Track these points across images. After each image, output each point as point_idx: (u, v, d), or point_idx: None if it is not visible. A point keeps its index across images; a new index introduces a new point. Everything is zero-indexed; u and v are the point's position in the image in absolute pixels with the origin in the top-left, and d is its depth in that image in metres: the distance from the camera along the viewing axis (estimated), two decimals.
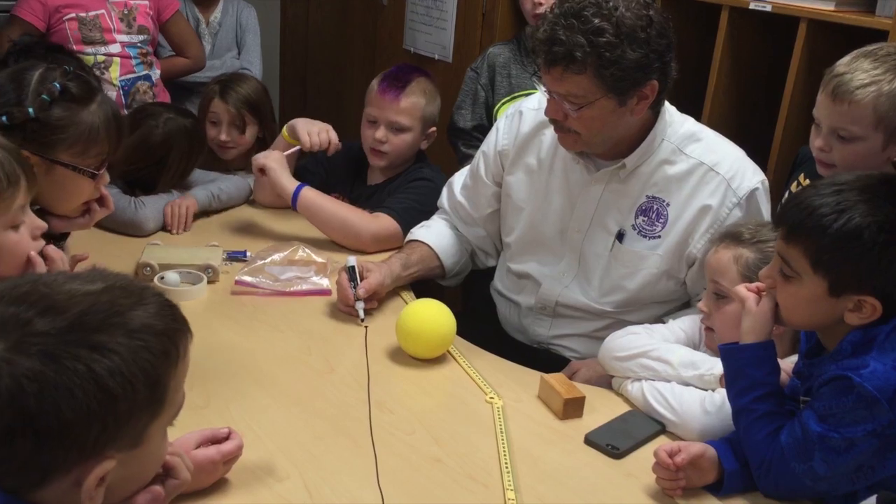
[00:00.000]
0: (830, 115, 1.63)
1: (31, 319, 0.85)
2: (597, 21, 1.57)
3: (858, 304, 1.25)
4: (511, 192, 1.96)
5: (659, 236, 1.78)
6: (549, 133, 1.86)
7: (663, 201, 1.78)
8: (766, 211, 1.77)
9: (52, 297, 0.87)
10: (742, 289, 1.39)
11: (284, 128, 2.35)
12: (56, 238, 1.66)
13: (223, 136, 2.49)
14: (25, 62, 1.66)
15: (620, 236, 1.81)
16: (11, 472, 0.86)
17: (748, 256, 1.51)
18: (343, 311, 1.86)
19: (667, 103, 1.78)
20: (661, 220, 1.78)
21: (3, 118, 1.52)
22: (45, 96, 1.55)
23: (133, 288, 0.93)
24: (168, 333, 0.92)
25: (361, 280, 1.83)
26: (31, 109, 1.54)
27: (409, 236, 2.09)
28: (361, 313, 1.81)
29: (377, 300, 1.88)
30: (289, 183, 2.20)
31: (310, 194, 2.19)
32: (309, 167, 2.44)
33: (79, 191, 1.65)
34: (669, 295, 1.85)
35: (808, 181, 1.83)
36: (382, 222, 2.18)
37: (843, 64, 1.63)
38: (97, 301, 0.88)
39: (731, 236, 1.56)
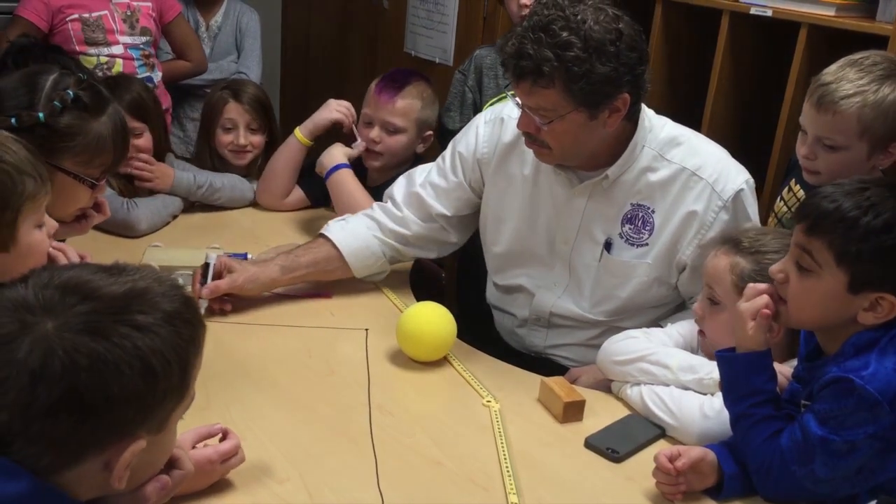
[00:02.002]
0: (815, 124, 1.64)
1: (75, 303, 0.89)
2: (564, 35, 1.54)
3: (875, 303, 1.25)
4: (491, 201, 1.92)
5: (647, 244, 1.77)
6: None
7: (648, 208, 1.76)
8: (752, 211, 1.76)
9: (92, 284, 0.91)
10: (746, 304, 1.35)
11: (297, 130, 2.38)
12: None
13: (242, 140, 2.46)
14: (39, 66, 1.66)
15: (608, 245, 1.80)
16: (49, 449, 0.88)
17: (744, 266, 1.50)
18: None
19: (645, 107, 1.76)
20: (647, 228, 1.76)
21: (13, 120, 1.52)
22: (56, 103, 1.55)
23: (163, 278, 0.97)
24: (194, 323, 0.97)
25: (216, 279, 1.80)
26: (41, 115, 1.54)
27: (324, 229, 2.00)
28: (202, 311, 1.77)
29: (231, 303, 1.84)
30: (329, 160, 2.28)
31: (341, 177, 2.25)
32: (312, 170, 2.45)
33: (76, 198, 1.65)
34: (662, 300, 1.84)
35: (798, 186, 1.85)
36: None
37: (829, 73, 1.63)
38: (134, 287, 0.92)
39: (731, 242, 1.55)
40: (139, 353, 0.88)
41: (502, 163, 1.88)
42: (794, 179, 1.87)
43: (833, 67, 1.64)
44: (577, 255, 1.84)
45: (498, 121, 1.90)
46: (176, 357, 0.92)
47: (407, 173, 2.07)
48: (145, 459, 0.95)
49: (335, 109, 2.36)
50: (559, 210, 1.83)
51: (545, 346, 1.95)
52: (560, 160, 1.75)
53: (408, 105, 2.29)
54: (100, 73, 2.80)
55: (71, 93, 1.57)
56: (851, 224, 1.23)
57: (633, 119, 1.72)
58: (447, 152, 1.98)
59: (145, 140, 2.32)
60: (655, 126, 1.77)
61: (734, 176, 1.74)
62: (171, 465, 1.09)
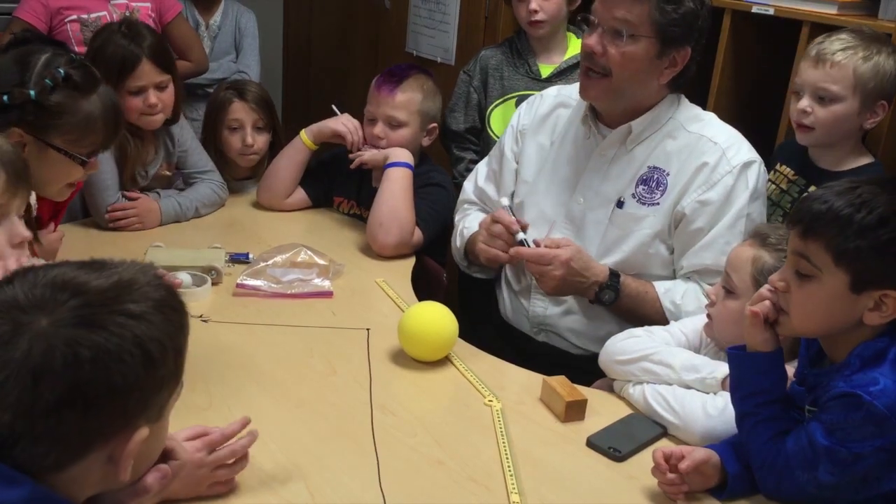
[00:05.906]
0: (812, 76, 1.81)
1: (67, 299, 0.88)
2: None
3: (880, 301, 1.24)
4: (521, 168, 2.01)
5: (658, 203, 1.84)
6: (564, 112, 1.96)
7: (664, 171, 1.83)
8: (753, 184, 1.79)
9: (79, 279, 0.91)
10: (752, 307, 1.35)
11: (303, 133, 2.38)
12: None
13: (249, 139, 2.45)
14: (32, 46, 1.68)
15: (620, 204, 1.86)
16: (54, 447, 0.88)
17: (766, 260, 1.51)
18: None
19: (682, 96, 1.88)
20: (660, 189, 1.83)
21: (5, 97, 1.55)
22: (47, 80, 1.58)
23: (146, 268, 0.98)
24: (180, 311, 0.97)
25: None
26: (32, 92, 1.57)
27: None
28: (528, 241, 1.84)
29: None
30: (400, 154, 2.26)
31: (397, 174, 2.23)
32: (314, 171, 2.45)
33: (66, 175, 1.69)
34: (663, 267, 1.87)
35: (784, 167, 1.96)
36: (417, 236, 2.22)
37: (822, 36, 1.84)
38: (121, 278, 0.93)
39: (758, 236, 1.56)
40: (138, 340, 0.88)
41: (536, 131, 2.01)
42: (779, 162, 1.99)
43: (826, 35, 1.84)
44: (590, 212, 1.89)
45: (539, 97, 2.06)
46: (171, 343, 0.93)
47: (473, 172, 2.16)
48: (145, 449, 0.96)
49: (341, 121, 2.36)
50: (579, 168, 1.91)
51: (548, 315, 1.96)
52: (609, 95, 1.80)
53: (409, 98, 2.29)
54: None
55: (62, 71, 1.60)
56: (846, 222, 1.22)
57: (673, 91, 1.84)
58: (501, 138, 2.08)
59: (169, 95, 2.25)
60: (684, 106, 1.89)
61: (746, 151, 1.83)
62: (166, 455, 1.09)
